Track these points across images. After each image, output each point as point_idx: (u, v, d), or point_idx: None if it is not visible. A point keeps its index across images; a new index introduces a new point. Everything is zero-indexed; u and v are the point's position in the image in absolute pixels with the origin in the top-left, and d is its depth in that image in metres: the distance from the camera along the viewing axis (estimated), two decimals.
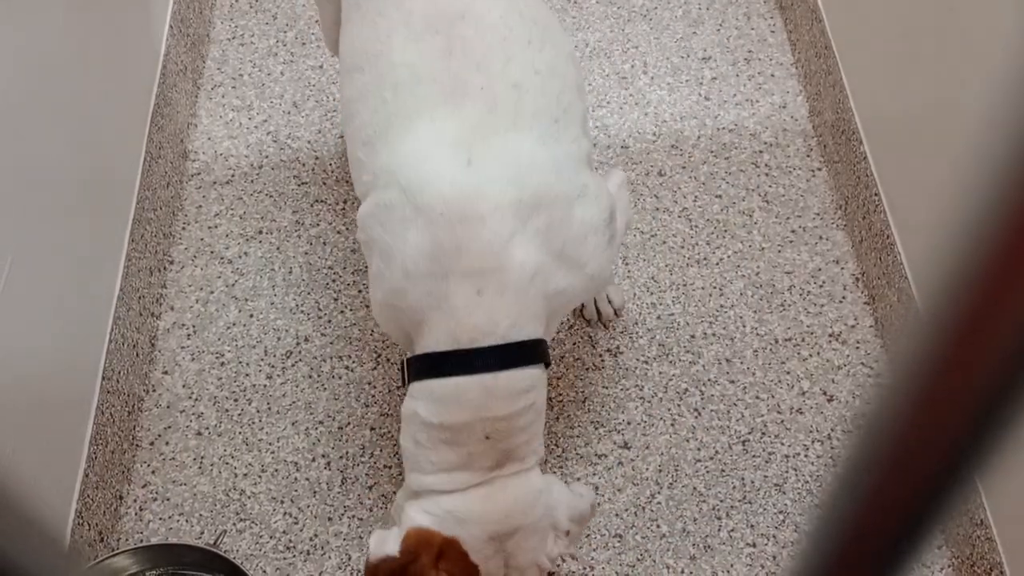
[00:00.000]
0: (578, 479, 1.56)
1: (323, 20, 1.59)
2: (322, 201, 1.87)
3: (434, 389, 1.13)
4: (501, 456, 1.13)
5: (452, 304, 1.10)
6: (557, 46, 1.24)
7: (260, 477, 1.56)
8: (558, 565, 1.39)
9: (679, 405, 1.63)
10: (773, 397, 1.64)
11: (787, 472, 1.57)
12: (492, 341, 1.11)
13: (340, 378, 1.66)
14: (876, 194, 1.72)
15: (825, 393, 1.65)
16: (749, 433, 1.61)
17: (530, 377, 1.13)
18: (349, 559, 1.49)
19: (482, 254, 1.09)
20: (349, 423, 1.61)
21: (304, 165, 1.93)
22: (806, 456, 1.59)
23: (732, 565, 1.49)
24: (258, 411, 1.63)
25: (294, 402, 1.63)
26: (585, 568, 1.48)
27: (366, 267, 1.78)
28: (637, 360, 1.68)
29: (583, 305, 1.68)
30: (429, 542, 1.11)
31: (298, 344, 1.69)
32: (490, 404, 1.11)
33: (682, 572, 1.48)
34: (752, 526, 1.53)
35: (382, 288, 1.16)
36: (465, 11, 1.18)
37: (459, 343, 1.11)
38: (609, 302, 1.69)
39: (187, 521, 1.52)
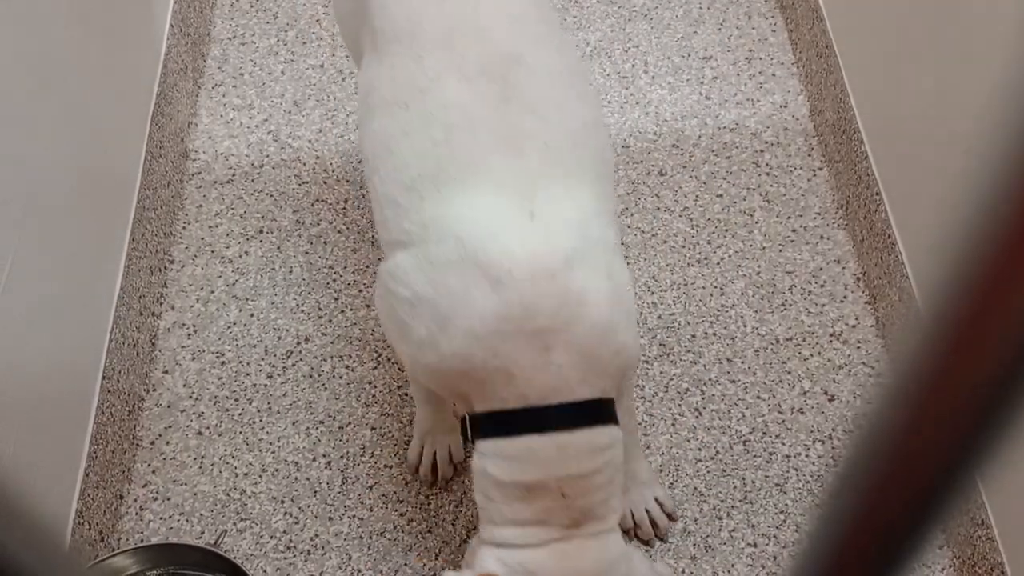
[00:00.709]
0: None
1: (344, 38, 1.51)
2: (323, 200, 1.87)
3: (504, 448, 1.08)
4: (578, 514, 1.08)
5: (520, 364, 1.04)
6: (594, 100, 1.22)
7: (261, 477, 1.56)
8: None
9: (680, 405, 1.63)
10: (774, 397, 1.64)
11: (788, 472, 1.57)
12: (563, 398, 1.06)
13: (341, 378, 1.66)
14: (877, 193, 1.72)
15: (826, 393, 1.65)
16: (750, 433, 1.61)
17: (606, 435, 1.09)
18: (350, 559, 1.49)
19: (552, 312, 1.03)
20: (350, 423, 1.61)
21: (305, 164, 1.93)
22: (807, 456, 1.59)
23: (733, 565, 1.49)
24: (259, 411, 1.63)
25: (295, 402, 1.63)
26: None
27: (366, 266, 1.77)
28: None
29: (636, 524, 1.50)
30: None
31: (299, 344, 1.69)
32: (565, 462, 1.07)
33: (683, 572, 1.48)
34: (753, 526, 1.53)
35: (437, 353, 1.08)
36: (520, 57, 1.14)
37: (528, 401, 1.06)
38: (661, 507, 1.51)
39: (187, 521, 1.52)
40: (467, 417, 1.13)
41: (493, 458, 1.09)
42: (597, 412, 1.09)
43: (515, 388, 1.05)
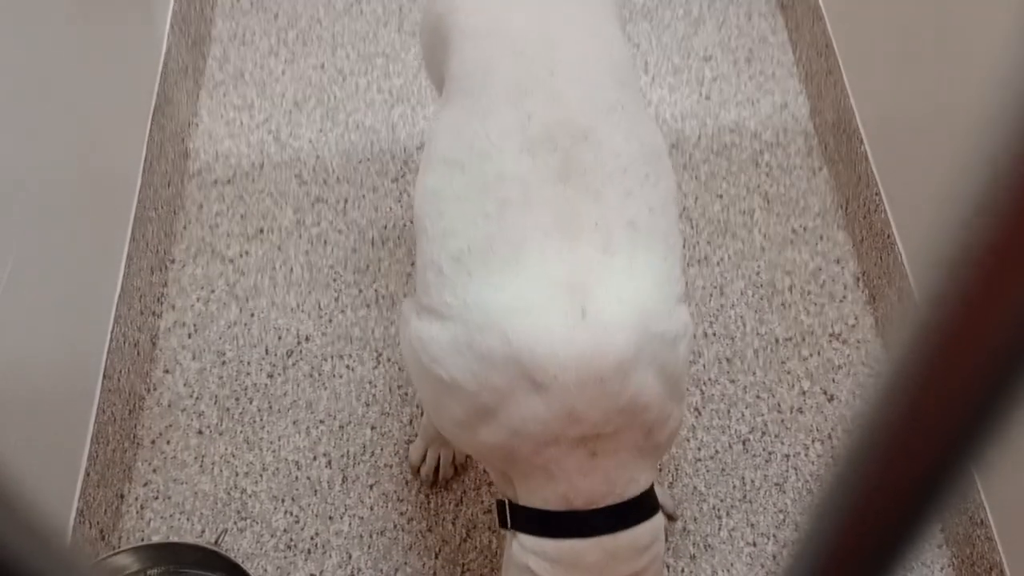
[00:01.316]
0: None
1: (427, 68, 1.45)
2: (323, 200, 1.87)
3: (548, 550, 1.03)
4: None
5: (564, 467, 0.99)
6: (668, 181, 1.13)
7: (261, 476, 1.56)
8: None
9: None
10: (773, 396, 1.64)
11: (787, 471, 1.58)
12: (609, 501, 1.01)
13: (341, 377, 1.66)
14: (877, 193, 1.72)
15: (826, 393, 1.65)
16: (749, 432, 1.61)
17: (651, 532, 1.04)
18: (350, 558, 1.49)
19: (600, 421, 0.98)
20: (350, 422, 1.61)
21: (305, 164, 1.93)
22: (806, 456, 1.59)
23: (732, 564, 1.49)
24: (259, 410, 1.63)
25: (295, 401, 1.64)
26: None
27: (367, 266, 1.78)
28: None
29: None
30: None
31: (299, 343, 1.70)
32: (612, 565, 1.02)
33: (682, 571, 1.48)
34: (752, 525, 1.53)
35: (476, 438, 1.03)
36: (589, 130, 1.06)
37: (572, 506, 1.01)
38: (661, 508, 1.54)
39: (188, 520, 1.52)
40: (508, 502, 1.08)
41: (535, 556, 1.04)
42: (642, 508, 1.04)
43: (557, 490, 1.01)
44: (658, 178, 1.10)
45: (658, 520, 1.06)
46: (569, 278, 0.99)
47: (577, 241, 1.01)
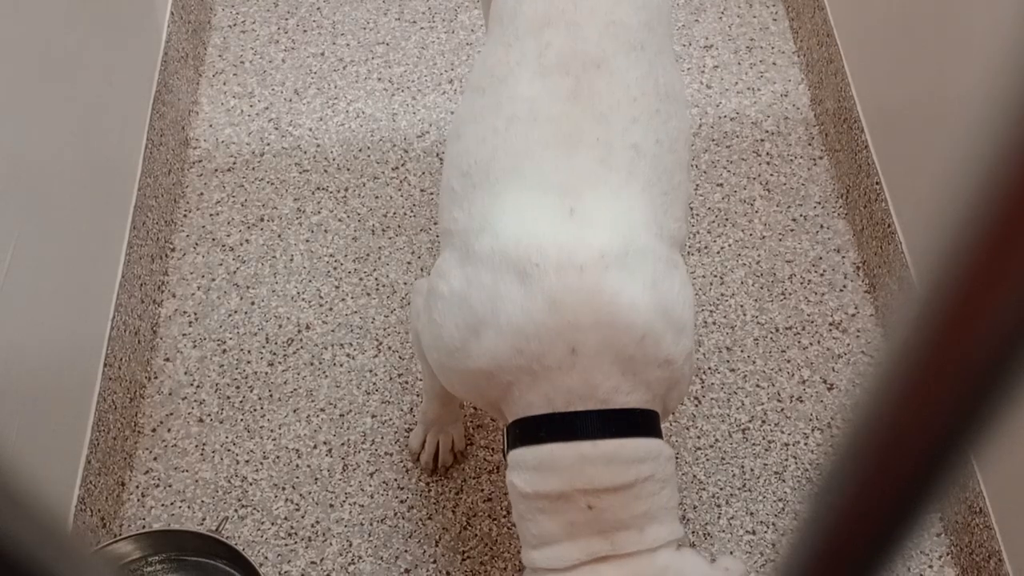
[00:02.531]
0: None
1: (483, 9, 1.47)
2: (323, 189, 1.87)
3: (527, 458, 1.02)
4: (608, 527, 1.01)
5: (544, 362, 0.99)
6: (681, 123, 1.15)
7: (262, 464, 1.57)
8: None
9: None
10: (773, 385, 1.65)
11: (787, 460, 1.58)
12: (591, 406, 0.99)
13: (341, 366, 1.66)
14: (877, 182, 1.72)
15: (825, 381, 1.65)
16: (749, 421, 1.61)
17: (640, 448, 1.01)
18: (350, 545, 1.49)
19: (577, 307, 0.97)
20: (350, 410, 1.62)
21: (305, 153, 1.93)
22: (806, 444, 1.59)
23: (731, 552, 1.50)
24: (259, 398, 1.63)
25: (295, 389, 1.64)
26: None
27: (367, 254, 1.78)
28: None
29: None
30: None
31: (299, 332, 1.70)
32: (588, 473, 1.00)
33: None
34: (751, 513, 1.53)
35: (467, 358, 1.03)
36: (603, 61, 1.08)
37: (554, 406, 1.00)
38: None
39: (189, 507, 1.53)
40: (504, 431, 1.09)
41: (517, 469, 1.04)
42: (629, 423, 1.01)
43: (539, 390, 1.00)
44: (669, 116, 1.12)
45: (654, 443, 1.03)
46: (562, 182, 1.03)
47: (576, 152, 1.04)
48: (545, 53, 1.10)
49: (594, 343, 0.98)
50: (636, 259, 1.00)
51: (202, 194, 1.87)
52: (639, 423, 1.02)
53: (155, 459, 1.58)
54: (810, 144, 1.95)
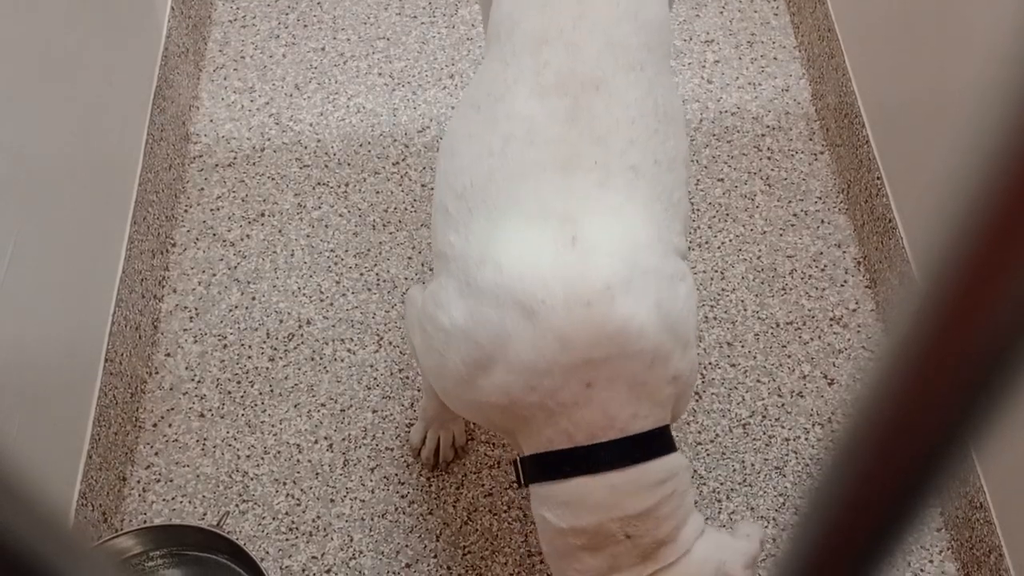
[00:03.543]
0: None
1: (484, 20, 1.47)
2: (324, 184, 1.87)
3: (556, 493, 1.02)
4: (648, 550, 1.02)
5: (560, 399, 0.98)
6: (679, 143, 1.14)
7: (262, 459, 1.57)
8: None
9: None
10: (774, 380, 1.65)
11: (787, 455, 1.58)
12: (613, 436, 0.99)
13: (342, 361, 1.66)
14: (878, 177, 1.72)
15: (826, 377, 1.65)
16: (750, 416, 1.61)
17: (663, 469, 1.02)
18: (351, 540, 1.50)
19: (589, 343, 0.97)
20: (351, 405, 1.62)
21: (306, 148, 1.92)
22: (806, 439, 1.59)
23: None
24: (260, 393, 1.63)
25: (296, 384, 1.64)
26: None
27: (367, 250, 1.78)
28: None
29: None
30: None
31: (300, 327, 1.70)
32: (621, 503, 1.00)
33: None
34: (752, 508, 1.53)
35: (475, 391, 1.02)
36: (602, 82, 1.08)
37: (575, 441, 1.00)
38: None
39: (190, 502, 1.53)
40: (518, 460, 1.08)
41: (547, 504, 1.03)
42: (650, 445, 1.02)
43: (558, 426, 0.99)
44: (668, 136, 1.11)
45: (674, 459, 1.03)
46: (562, 209, 1.01)
47: (574, 175, 1.02)
48: (543, 72, 1.08)
49: (607, 375, 0.98)
50: (640, 282, 1.00)
51: (203, 189, 1.87)
52: (658, 443, 1.02)
53: (156, 454, 1.58)
54: (811, 139, 1.94)
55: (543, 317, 0.97)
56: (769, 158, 1.91)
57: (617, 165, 1.04)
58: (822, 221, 1.83)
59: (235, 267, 1.77)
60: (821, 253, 1.79)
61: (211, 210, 1.84)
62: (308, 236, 1.81)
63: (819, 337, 1.69)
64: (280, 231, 1.81)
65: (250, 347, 1.68)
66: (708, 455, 1.58)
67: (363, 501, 1.53)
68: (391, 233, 1.80)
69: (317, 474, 1.55)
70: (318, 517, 1.52)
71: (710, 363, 1.66)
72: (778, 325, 1.70)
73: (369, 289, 1.73)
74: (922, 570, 1.48)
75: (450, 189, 1.09)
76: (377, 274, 1.75)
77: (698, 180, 1.87)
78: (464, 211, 1.05)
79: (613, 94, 1.08)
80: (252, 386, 1.64)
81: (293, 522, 1.51)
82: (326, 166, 1.90)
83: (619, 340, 0.97)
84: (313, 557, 1.48)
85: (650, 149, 1.08)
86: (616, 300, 0.97)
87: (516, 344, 0.98)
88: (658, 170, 1.07)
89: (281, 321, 1.71)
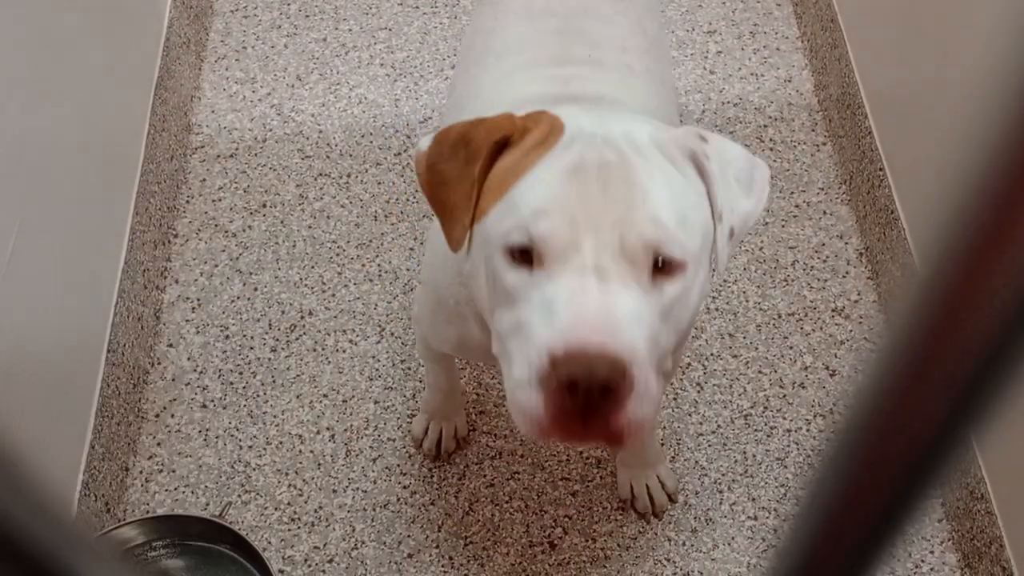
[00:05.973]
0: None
1: None
2: (326, 175, 1.87)
3: None
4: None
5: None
6: (668, 68, 1.21)
7: (265, 449, 1.57)
8: None
9: (681, 379, 1.63)
10: (775, 371, 1.65)
11: (789, 446, 1.58)
12: None
13: (344, 351, 1.66)
14: (881, 169, 1.72)
15: (828, 368, 1.65)
16: (751, 407, 1.61)
17: None
18: (353, 530, 1.50)
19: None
20: (353, 396, 1.62)
21: (308, 139, 1.92)
22: (808, 430, 1.60)
23: (733, 538, 1.50)
24: (263, 384, 1.63)
25: (298, 375, 1.64)
26: (587, 540, 1.49)
27: (369, 240, 1.78)
28: None
29: (634, 497, 1.50)
30: None
31: (302, 318, 1.70)
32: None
33: (683, 544, 1.49)
34: (753, 499, 1.53)
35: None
36: (589, 7, 1.16)
37: None
38: (662, 485, 1.50)
39: (193, 493, 1.53)
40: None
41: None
42: None
43: None
44: (659, 60, 1.17)
45: None
46: (557, 72, 1.08)
47: (567, 64, 1.10)
48: (531, 4, 1.17)
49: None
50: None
51: (204, 180, 1.87)
52: None
53: (159, 445, 1.58)
54: (813, 130, 1.94)
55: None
56: (771, 149, 1.91)
57: (611, 60, 1.11)
58: (824, 212, 1.83)
59: (237, 258, 1.77)
60: (823, 244, 1.79)
61: (213, 201, 1.84)
62: (310, 227, 1.80)
63: (821, 328, 1.69)
64: (282, 222, 1.81)
65: (252, 338, 1.68)
66: (710, 446, 1.58)
67: (365, 492, 1.54)
68: (393, 224, 1.80)
69: (319, 465, 1.56)
70: (320, 507, 1.52)
71: (711, 354, 1.66)
72: (780, 316, 1.70)
73: (371, 280, 1.73)
74: (923, 561, 1.48)
75: (449, 113, 1.15)
76: (379, 265, 1.75)
77: None
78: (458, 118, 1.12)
79: (602, 17, 1.15)
80: (254, 377, 1.64)
81: (295, 512, 1.52)
82: (328, 157, 1.90)
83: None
84: (315, 547, 1.49)
85: (644, 60, 1.14)
86: (612, 110, 1.02)
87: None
88: (651, 78, 1.13)
89: (283, 312, 1.71)
